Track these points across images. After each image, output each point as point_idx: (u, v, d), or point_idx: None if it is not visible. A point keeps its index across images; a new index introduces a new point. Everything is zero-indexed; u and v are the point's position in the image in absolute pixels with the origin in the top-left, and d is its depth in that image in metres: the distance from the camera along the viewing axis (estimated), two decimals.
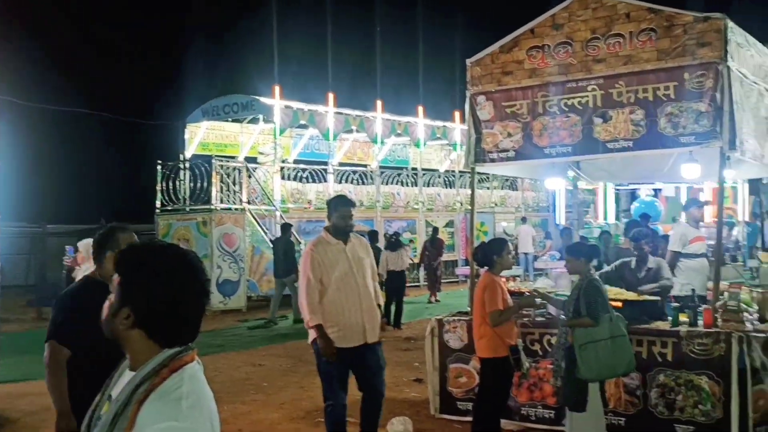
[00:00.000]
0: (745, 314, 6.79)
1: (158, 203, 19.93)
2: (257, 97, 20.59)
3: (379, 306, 6.39)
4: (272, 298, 16.63)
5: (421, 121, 24.49)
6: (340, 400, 6.19)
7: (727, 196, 10.69)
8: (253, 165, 21.14)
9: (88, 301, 3.74)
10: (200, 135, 21.83)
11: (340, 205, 6.31)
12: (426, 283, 20.49)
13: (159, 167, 19.95)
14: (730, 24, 6.90)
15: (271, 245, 17.58)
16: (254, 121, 22.20)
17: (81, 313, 3.94)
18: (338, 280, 6.09)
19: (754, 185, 14.43)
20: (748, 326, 6.70)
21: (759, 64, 7.66)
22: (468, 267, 10.48)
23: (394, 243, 15.79)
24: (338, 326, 6.05)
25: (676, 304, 7.25)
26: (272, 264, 18.93)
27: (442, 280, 20.63)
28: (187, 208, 19.49)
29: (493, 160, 8.11)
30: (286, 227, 16.68)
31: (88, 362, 3.89)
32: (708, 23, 6.89)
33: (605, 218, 16.44)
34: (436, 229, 20.96)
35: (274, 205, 20.12)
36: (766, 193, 15.70)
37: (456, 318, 7.96)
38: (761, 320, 7.09)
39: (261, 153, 22.43)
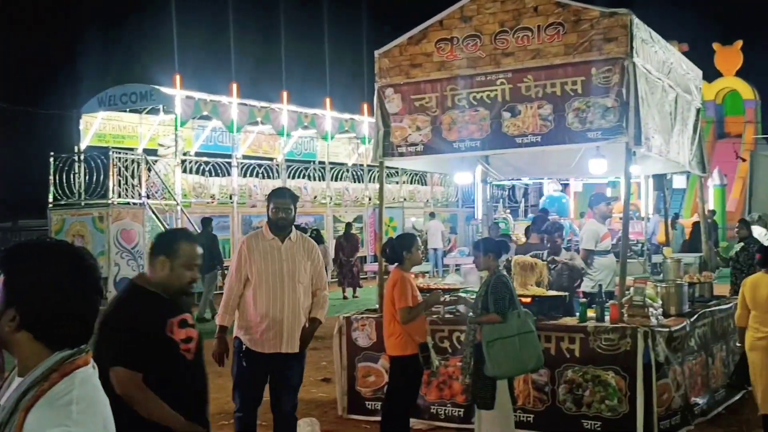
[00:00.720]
0: (650, 309, 6.85)
1: (51, 197, 19.05)
2: (157, 87, 19.90)
3: (314, 319, 5.84)
4: (202, 295, 16.17)
5: (328, 114, 24.19)
6: (250, 410, 5.77)
7: (631, 192, 10.89)
8: (153, 157, 20.44)
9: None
10: (96, 125, 20.94)
11: (274, 196, 5.81)
12: (336, 279, 20.19)
13: (51, 159, 19.06)
14: (636, 20, 6.95)
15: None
16: (154, 111, 21.45)
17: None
18: (264, 280, 5.62)
19: (659, 181, 14.78)
20: (653, 321, 6.77)
21: (663, 60, 7.78)
22: (376, 263, 10.34)
23: (316, 238, 15.63)
24: (254, 328, 5.65)
25: (584, 300, 7.28)
26: None
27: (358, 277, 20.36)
28: (83, 203, 18.68)
29: (401, 154, 8.00)
30: (207, 221, 16.41)
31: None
32: (614, 19, 6.94)
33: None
34: (349, 225, 20.77)
35: (175, 200, 19.53)
36: (670, 188, 16.18)
37: (364, 316, 7.80)
38: (665, 315, 7.18)
39: (161, 145, 21.71)
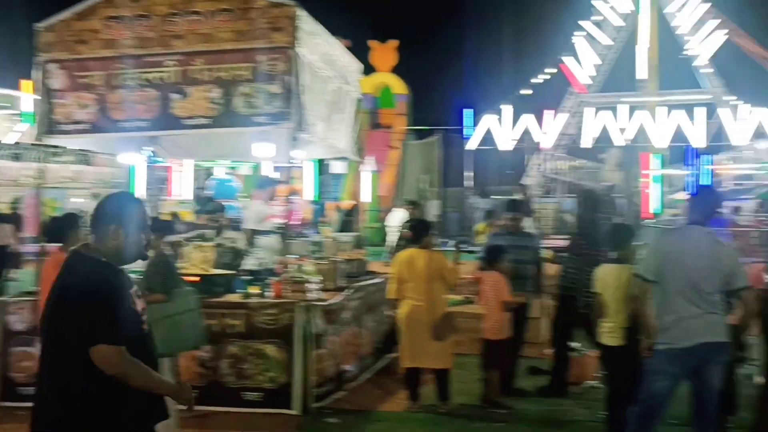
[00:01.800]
0: (310, 284, 7.32)
1: None
2: None
3: None
4: None
5: None
6: None
7: (294, 177, 11.29)
8: None
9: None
10: None
11: None
12: None
13: None
14: (301, 12, 7.33)
15: None
16: None
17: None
18: None
19: (321, 166, 15.68)
20: (313, 296, 7.25)
21: (326, 52, 8.26)
22: (36, 244, 9.81)
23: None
24: None
25: (248, 277, 7.58)
26: None
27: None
28: None
29: (66, 132, 7.73)
30: None
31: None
32: (281, 9, 7.25)
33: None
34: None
35: None
36: (327, 174, 17.15)
37: (21, 299, 7.41)
38: (324, 290, 7.72)
39: None
